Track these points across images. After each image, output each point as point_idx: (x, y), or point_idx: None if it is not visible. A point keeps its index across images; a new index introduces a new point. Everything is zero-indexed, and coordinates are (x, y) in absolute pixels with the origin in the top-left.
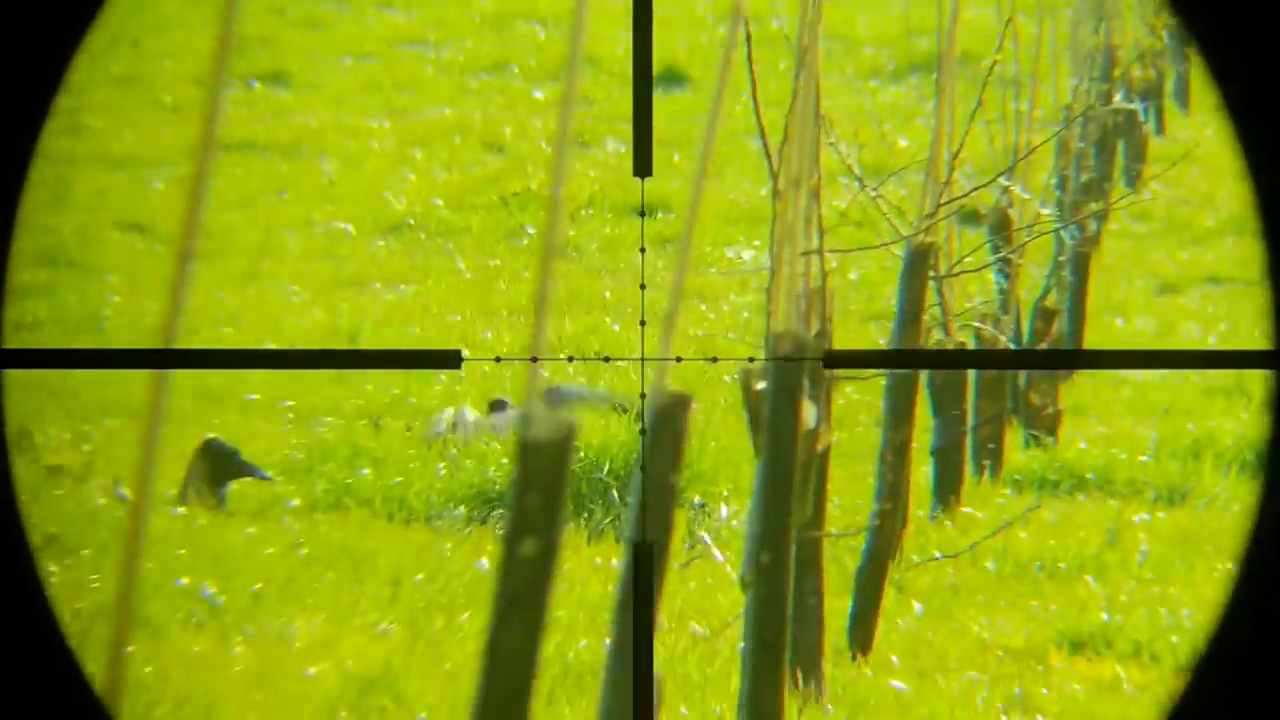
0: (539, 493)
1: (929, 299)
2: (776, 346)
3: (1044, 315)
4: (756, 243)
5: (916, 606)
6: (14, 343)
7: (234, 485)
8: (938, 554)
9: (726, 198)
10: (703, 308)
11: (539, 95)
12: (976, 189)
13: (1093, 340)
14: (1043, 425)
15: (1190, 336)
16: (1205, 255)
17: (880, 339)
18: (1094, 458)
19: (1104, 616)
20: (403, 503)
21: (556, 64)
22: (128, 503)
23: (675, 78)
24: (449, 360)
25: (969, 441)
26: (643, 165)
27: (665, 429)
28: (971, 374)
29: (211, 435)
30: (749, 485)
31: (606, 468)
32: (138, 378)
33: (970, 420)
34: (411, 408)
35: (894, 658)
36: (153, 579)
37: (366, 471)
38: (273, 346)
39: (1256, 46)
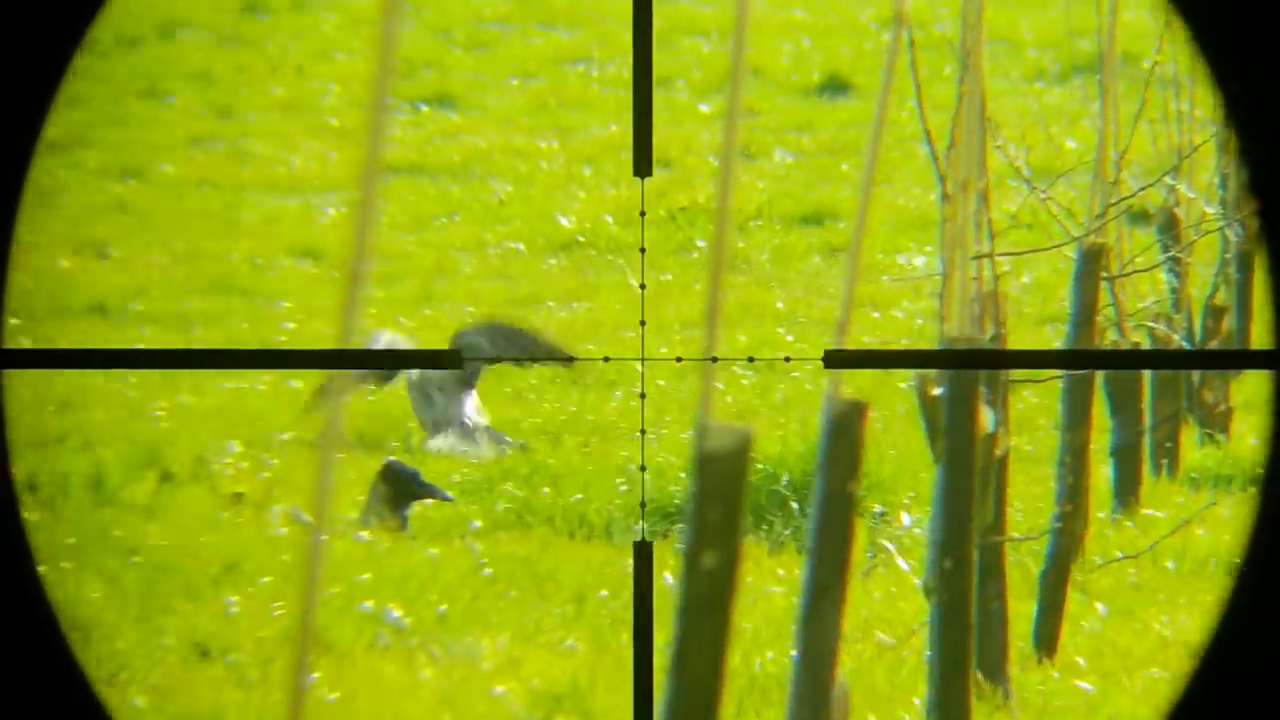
0: (718, 505)
1: (1102, 300)
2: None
3: (1214, 313)
4: (928, 248)
5: (1100, 608)
6: None
7: (415, 507)
8: (1120, 555)
9: (895, 204)
10: (875, 315)
11: (705, 109)
12: (1143, 189)
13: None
14: (1216, 423)
15: None
16: None
17: (1056, 341)
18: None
19: None
20: (583, 519)
21: (721, 77)
22: (308, 528)
23: (839, 85)
24: (449, 360)
25: (1147, 441)
26: (643, 165)
27: (842, 437)
28: (1147, 374)
29: (392, 458)
30: (929, 493)
31: (786, 479)
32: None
33: (1148, 420)
34: (589, 424)
35: (1079, 659)
36: (336, 603)
37: (547, 490)
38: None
39: (1257, 46)
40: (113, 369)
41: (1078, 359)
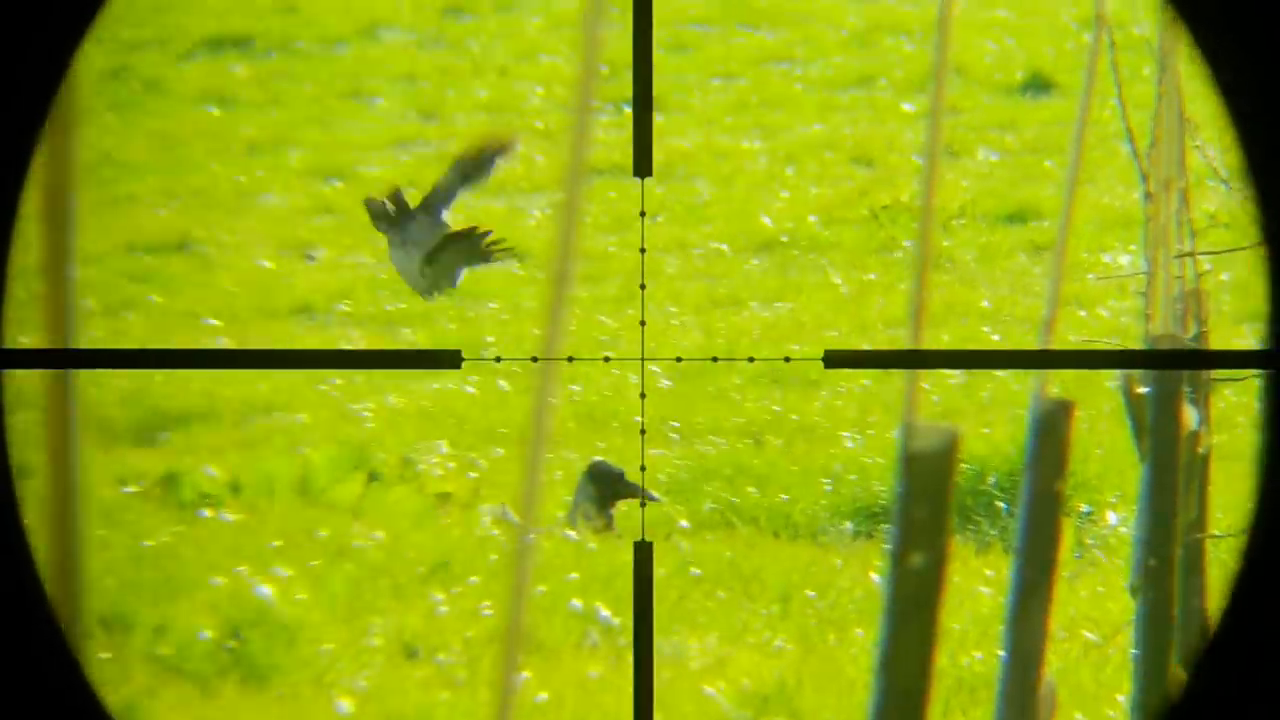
0: (925, 505)
1: None
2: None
3: None
4: (1132, 247)
5: None
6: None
7: (622, 506)
8: None
9: (1100, 202)
10: (1081, 314)
11: (908, 108)
12: None
13: None
14: None
15: None
16: None
17: (1253, 340)
18: None
19: None
20: (788, 519)
21: (924, 76)
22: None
23: (1042, 84)
24: (449, 360)
25: None
26: (642, 165)
27: (1049, 436)
28: None
29: (598, 458)
30: (1134, 491)
31: (992, 479)
32: (520, 404)
33: None
34: (793, 424)
35: None
36: (545, 603)
37: (754, 490)
38: (657, 367)
39: (1256, 46)
40: (115, 369)
41: (1079, 358)
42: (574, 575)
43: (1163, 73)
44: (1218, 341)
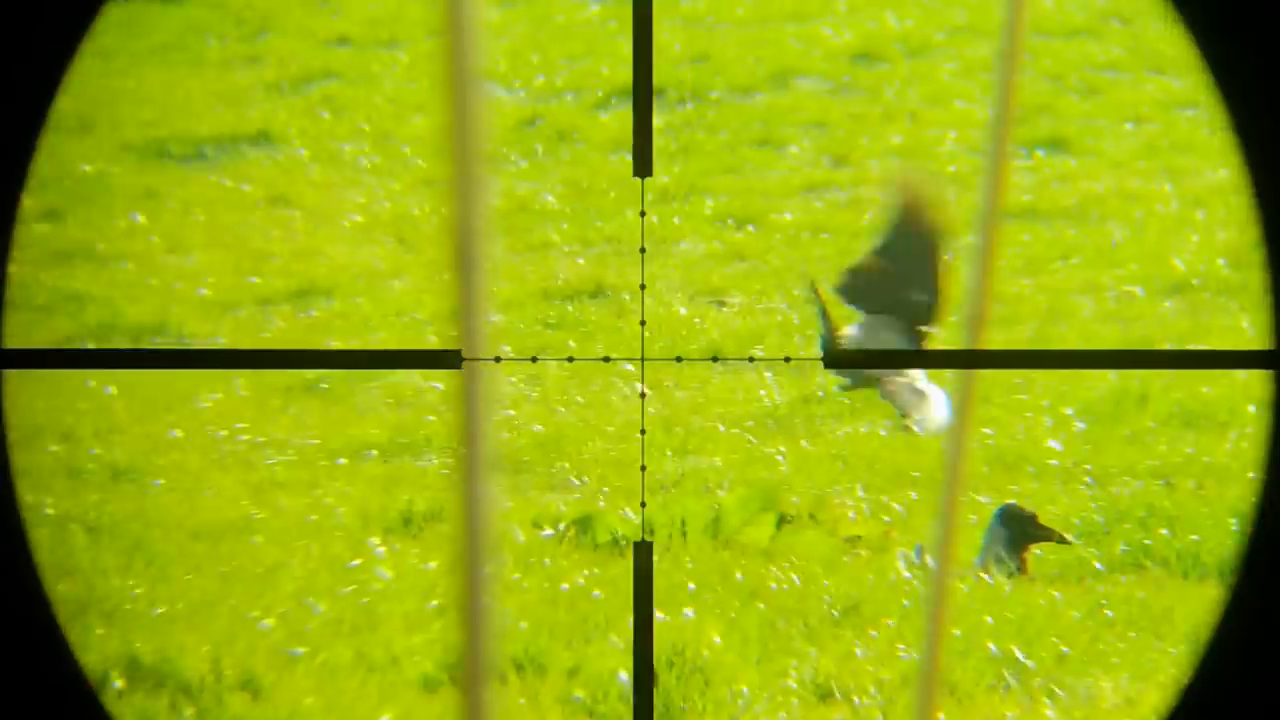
0: None
1: None
2: None
3: None
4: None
5: None
6: None
7: (1034, 549)
8: None
9: None
10: None
11: None
12: None
13: None
14: None
15: None
16: None
17: None
18: None
19: None
20: (1197, 560)
21: None
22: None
23: None
24: (449, 360)
25: None
26: (642, 165)
27: None
28: None
29: (1011, 501)
30: None
31: None
32: (931, 448)
33: None
34: (1203, 465)
35: None
36: (959, 645)
37: (1167, 532)
38: (1071, 409)
39: (1257, 47)
40: (118, 369)
41: (1072, 359)
42: (989, 618)
43: None
44: None
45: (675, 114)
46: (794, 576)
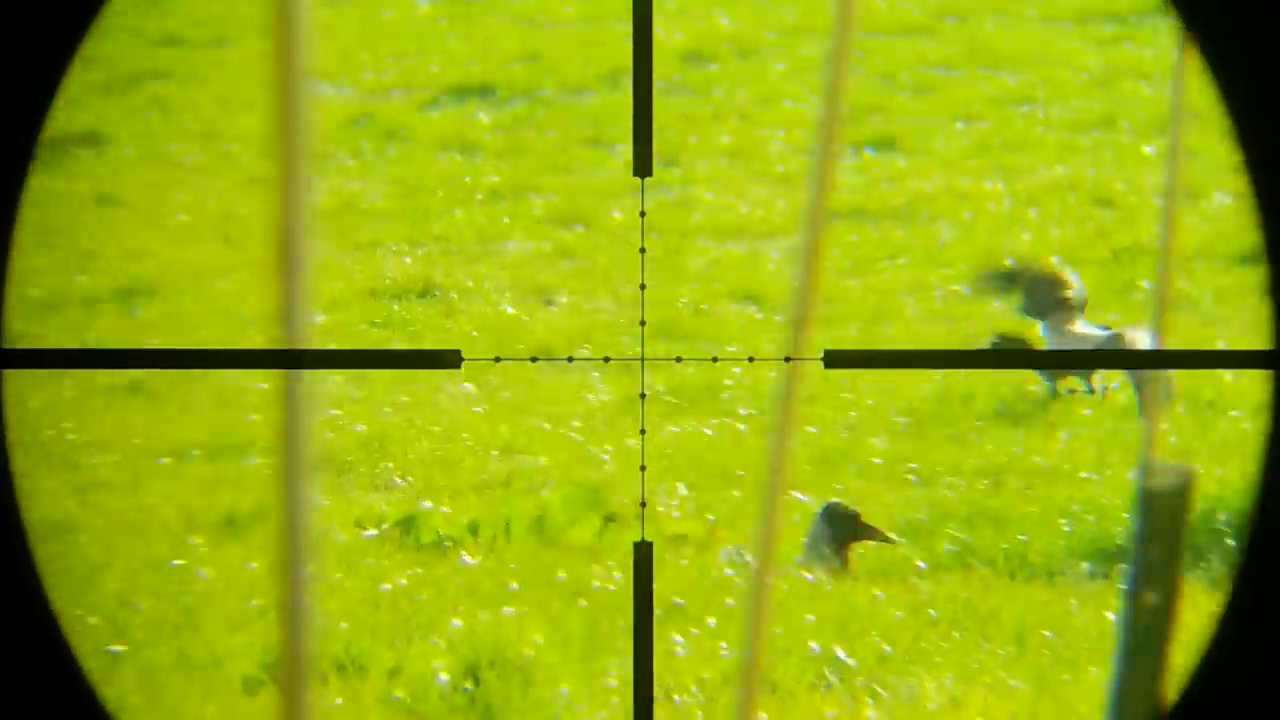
0: (1160, 544)
1: None
2: None
3: None
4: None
5: None
6: None
7: (857, 548)
8: None
9: None
10: None
11: (1149, 150)
12: None
13: None
14: None
15: None
16: None
17: None
18: None
19: None
20: (1024, 560)
21: (1163, 118)
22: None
23: None
24: (449, 360)
25: None
26: (642, 165)
27: None
28: None
29: (834, 499)
30: None
31: (1224, 516)
32: (756, 447)
33: None
34: (1031, 466)
35: None
36: (781, 643)
37: (987, 530)
38: (897, 416)
39: (1257, 46)
40: (115, 369)
41: (1063, 359)
42: (810, 617)
43: None
44: None
45: (505, 113)
46: (617, 575)
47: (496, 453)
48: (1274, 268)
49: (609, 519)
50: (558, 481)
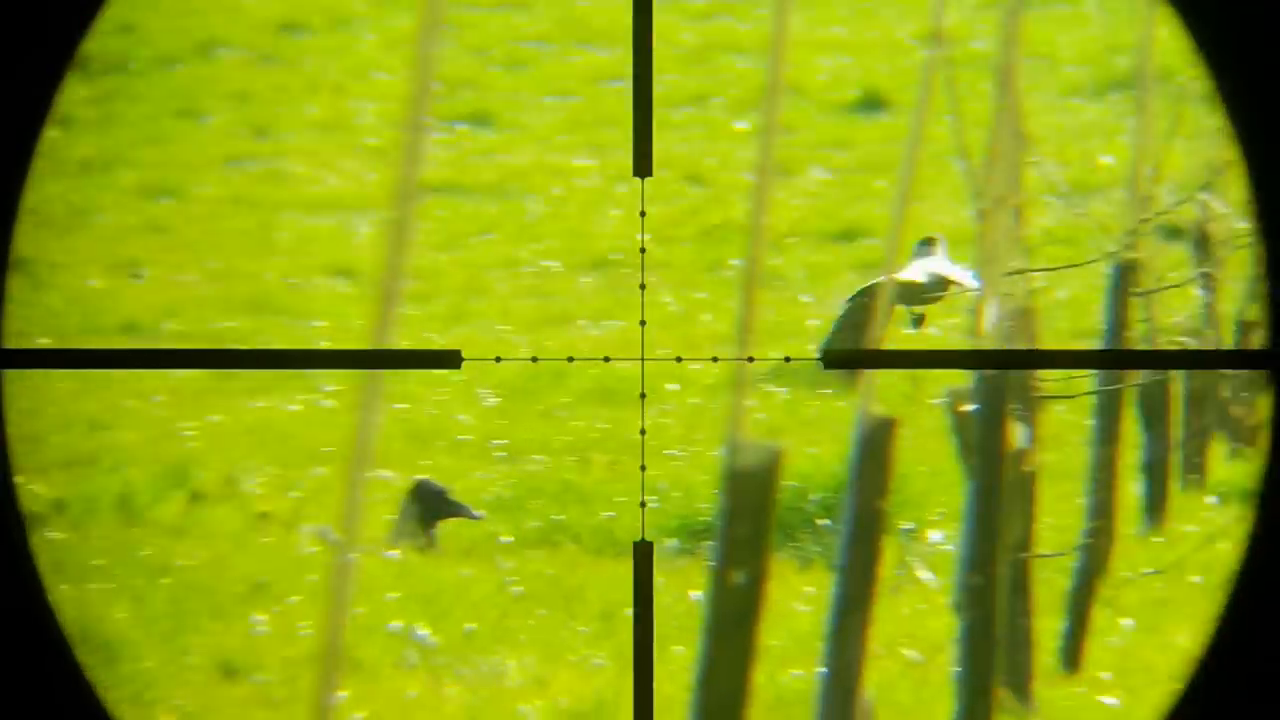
0: (747, 522)
1: (1136, 315)
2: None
3: (1245, 328)
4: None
5: (1126, 623)
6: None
7: (445, 525)
8: (1146, 570)
9: (930, 221)
10: (910, 332)
11: (741, 126)
12: (1177, 205)
13: None
14: (1244, 436)
15: None
16: None
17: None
18: None
19: None
20: (611, 537)
21: (757, 94)
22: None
23: (876, 103)
24: (449, 360)
25: (1177, 456)
26: (642, 165)
27: (873, 454)
28: (1179, 389)
29: (422, 476)
30: (959, 509)
31: (817, 497)
32: (346, 424)
33: (1178, 435)
34: (619, 442)
35: (1104, 674)
36: (364, 622)
37: (574, 507)
38: (485, 388)
39: (1256, 46)
40: (112, 368)
41: (1057, 359)
42: (394, 595)
43: (1001, 88)
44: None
45: (97, 84)
46: (202, 553)
47: (84, 427)
48: (1273, 268)
49: (195, 496)
50: (143, 458)
